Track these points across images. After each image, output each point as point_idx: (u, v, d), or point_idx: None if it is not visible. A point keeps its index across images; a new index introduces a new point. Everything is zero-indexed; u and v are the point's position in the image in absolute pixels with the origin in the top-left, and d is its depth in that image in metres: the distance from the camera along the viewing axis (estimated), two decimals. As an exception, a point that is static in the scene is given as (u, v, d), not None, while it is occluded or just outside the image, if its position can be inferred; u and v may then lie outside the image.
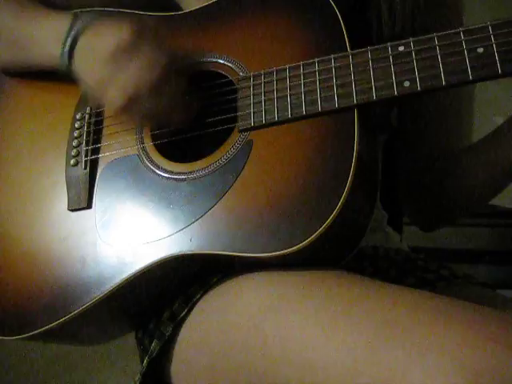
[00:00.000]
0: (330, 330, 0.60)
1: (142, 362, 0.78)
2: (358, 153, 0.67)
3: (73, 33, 0.80)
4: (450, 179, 0.90)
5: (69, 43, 0.80)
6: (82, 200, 0.81)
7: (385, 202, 0.97)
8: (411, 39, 0.68)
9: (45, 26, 0.84)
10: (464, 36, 0.66)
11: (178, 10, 0.88)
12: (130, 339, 0.88)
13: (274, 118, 0.73)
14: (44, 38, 0.84)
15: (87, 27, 0.79)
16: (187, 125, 0.79)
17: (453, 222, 1.01)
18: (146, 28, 0.76)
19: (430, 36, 0.67)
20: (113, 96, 0.75)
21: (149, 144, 0.80)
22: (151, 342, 0.77)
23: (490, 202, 0.93)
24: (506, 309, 0.74)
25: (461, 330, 0.54)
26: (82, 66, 0.79)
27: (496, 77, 0.64)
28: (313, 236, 0.66)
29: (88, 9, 0.92)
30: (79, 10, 0.91)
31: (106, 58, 0.75)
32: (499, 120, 0.93)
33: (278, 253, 0.67)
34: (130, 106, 0.75)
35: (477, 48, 0.65)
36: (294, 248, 0.67)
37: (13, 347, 1.75)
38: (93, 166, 0.83)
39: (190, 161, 0.77)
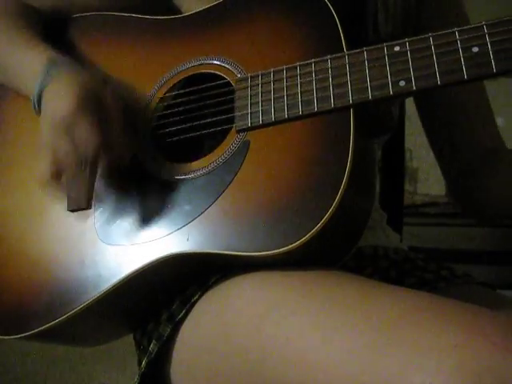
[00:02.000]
0: (329, 330, 0.60)
1: (141, 363, 0.79)
2: (353, 152, 0.67)
3: (41, 84, 0.81)
4: (494, 182, 0.92)
5: (35, 96, 0.81)
6: (82, 201, 0.81)
7: (384, 201, 0.97)
8: (407, 39, 0.68)
9: (24, 65, 0.85)
10: (459, 35, 0.66)
11: (177, 14, 0.88)
12: (130, 340, 0.88)
13: (271, 118, 0.73)
14: (19, 77, 0.86)
15: (52, 80, 0.80)
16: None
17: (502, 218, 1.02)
18: (90, 100, 0.77)
19: (425, 36, 0.67)
20: (44, 163, 0.78)
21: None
22: (150, 343, 0.77)
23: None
24: (505, 309, 0.74)
25: (460, 331, 0.54)
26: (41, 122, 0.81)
27: (491, 76, 0.64)
28: (306, 236, 0.66)
29: (89, 13, 0.93)
30: (79, 15, 0.92)
31: (50, 126, 0.77)
32: (499, 120, 0.93)
33: (272, 252, 0.68)
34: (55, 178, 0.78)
35: (472, 47, 0.65)
36: (288, 248, 0.67)
37: (13, 347, 1.75)
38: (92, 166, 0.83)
39: (188, 161, 0.78)
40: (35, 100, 0.81)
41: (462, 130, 0.94)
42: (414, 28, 0.86)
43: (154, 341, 0.77)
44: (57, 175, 0.77)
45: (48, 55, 0.83)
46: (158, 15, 0.89)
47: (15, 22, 0.90)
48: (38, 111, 0.81)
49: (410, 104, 1.02)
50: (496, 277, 1.47)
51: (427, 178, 1.72)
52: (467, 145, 0.94)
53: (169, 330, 0.75)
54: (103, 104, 0.78)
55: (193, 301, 0.75)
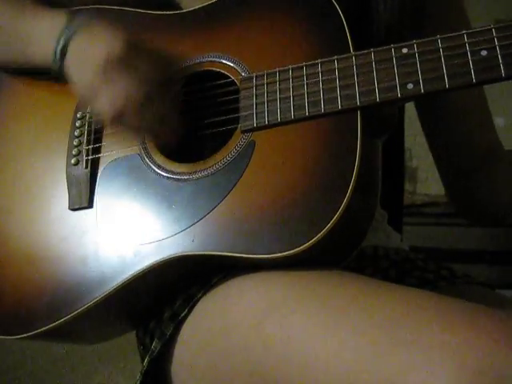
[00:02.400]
0: (331, 329, 0.60)
1: (143, 361, 0.78)
2: (360, 154, 0.67)
3: (66, 33, 0.79)
4: (484, 187, 0.92)
5: (61, 44, 0.79)
6: (83, 199, 0.81)
7: (384, 201, 0.97)
8: (414, 41, 0.68)
9: (40, 26, 0.84)
10: (467, 38, 0.65)
11: (178, 9, 0.87)
12: (131, 339, 0.88)
13: (277, 118, 0.72)
14: (39, 37, 0.83)
15: (81, 29, 0.79)
16: (177, 137, 0.79)
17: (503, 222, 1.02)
18: (139, 42, 0.76)
19: (433, 38, 0.67)
20: (100, 108, 0.76)
21: (150, 144, 0.80)
22: (152, 342, 0.77)
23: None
24: (505, 309, 0.74)
25: (463, 329, 0.54)
26: (72, 69, 0.79)
27: (500, 80, 0.64)
28: (314, 238, 0.66)
29: (88, 6, 0.92)
30: (77, 8, 0.91)
31: (96, 68, 0.74)
32: (499, 120, 0.94)
33: (279, 254, 0.67)
34: (116, 120, 0.76)
35: (480, 51, 0.65)
36: (296, 250, 0.67)
37: (13, 347, 1.75)
38: (94, 165, 0.82)
39: (192, 161, 0.77)
40: (58, 56, 0.79)
41: (461, 132, 0.94)
42: (411, 16, 0.86)
43: (156, 339, 0.77)
44: (120, 115, 0.75)
45: (64, 14, 0.82)
46: (158, 11, 0.88)
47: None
48: (60, 68, 0.80)
49: (409, 104, 1.03)
50: (496, 277, 1.48)
51: (427, 177, 1.72)
52: (466, 146, 0.94)
53: (171, 328, 0.75)
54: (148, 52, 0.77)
55: (195, 300, 0.74)
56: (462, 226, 1.50)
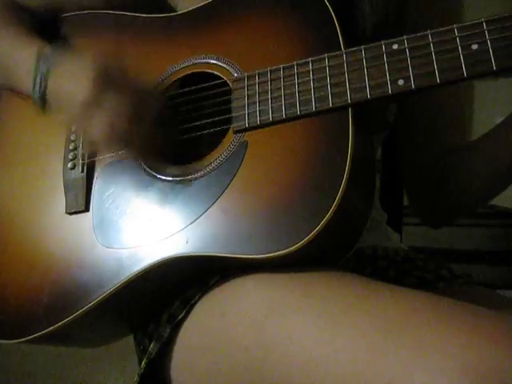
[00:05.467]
0: (331, 330, 0.60)
1: (141, 362, 0.78)
2: (352, 152, 0.66)
3: (40, 72, 0.80)
4: (455, 176, 0.90)
5: (37, 89, 0.80)
6: (80, 203, 0.81)
7: (384, 201, 0.96)
8: (405, 37, 0.67)
9: (15, 59, 0.85)
10: (458, 32, 0.65)
11: (172, 12, 0.88)
12: (130, 339, 0.88)
13: (269, 118, 0.72)
14: (17, 72, 0.84)
15: (51, 70, 0.79)
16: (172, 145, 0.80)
17: (457, 219, 1.01)
18: (107, 72, 0.76)
19: (424, 33, 0.67)
20: (93, 136, 0.77)
21: None
22: (150, 343, 0.77)
23: (490, 202, 0.92)
24: (505, 309, 0.74)
25: (464, 331, 0.54)
26: (55, 111, 0.80)
27: (491, 73, 0.63)
28: (308, 237, 0.66)
29: (82, 12, 0.93)
30: (72, 13, 0.91)
31: (75, 110, 0.76)
32: (499, 120, 0.93)
33: (273, 254, 0.67)
34: (109, 142, 0.78)
35: (471, 44, 0.64)
36: (290, 249, 0.66)
37: (13, 347, 1.76)
38: (90, 168, 0.83)
39: (185, 163, 0.77)
40: (37, 95, 0.80)
41: (430, 128, 0.93)
42: (397, 14, 0.85)
43: (154, 341, 0.77)
44: (110, 138, 0.76)
45: (36, 48, 0.82)
46: (151, 14, 0.88)
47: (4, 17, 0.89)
48: (42, 104, 0.80)
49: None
50: (496, 277, 1.47)
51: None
52: (434, 144, 0.93)
53: (169, 330, 0.75)
54: (121, 75, 0.77)
55: (193, 302, 0.74)
56: (462, 226, 1.50)
